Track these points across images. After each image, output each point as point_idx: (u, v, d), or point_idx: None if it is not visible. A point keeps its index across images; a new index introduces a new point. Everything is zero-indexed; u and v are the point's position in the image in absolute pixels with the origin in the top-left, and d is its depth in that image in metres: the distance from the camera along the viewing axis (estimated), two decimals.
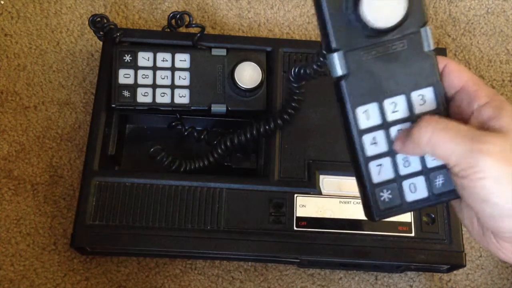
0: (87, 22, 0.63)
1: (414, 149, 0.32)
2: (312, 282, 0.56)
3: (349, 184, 0.52)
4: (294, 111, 0.52)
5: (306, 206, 0.51)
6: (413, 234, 0.51)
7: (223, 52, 0.55)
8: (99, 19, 0.56)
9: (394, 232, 0.51)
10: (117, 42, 0.55)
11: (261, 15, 0.67)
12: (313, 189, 0.52)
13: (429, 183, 0.34)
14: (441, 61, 0.34)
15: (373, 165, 0.33)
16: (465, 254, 0.50)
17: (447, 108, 0.33)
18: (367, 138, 0.33)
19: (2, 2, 0.64)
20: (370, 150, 0.33)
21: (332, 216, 0.51)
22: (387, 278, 0.56)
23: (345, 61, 0.32)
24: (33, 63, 0.62)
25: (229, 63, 0.54)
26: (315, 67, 0.43)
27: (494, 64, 0.66)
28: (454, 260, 0.50)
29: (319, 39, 0.71)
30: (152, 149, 0.52)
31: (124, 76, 0.53)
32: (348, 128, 0.33)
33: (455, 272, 0.56)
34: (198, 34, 0.55)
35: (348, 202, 0.51)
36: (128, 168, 0.57)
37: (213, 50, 0.55)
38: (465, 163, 0.30)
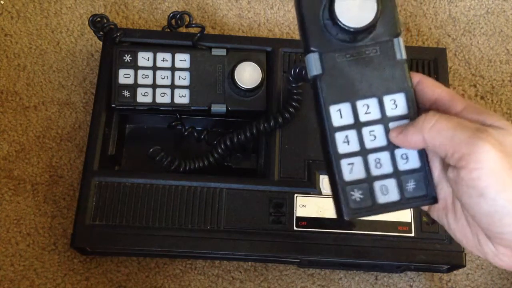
0: (87, 22, 0.63)
1: (413, 136, 0.32)
2: (312, 282, 0.56)
3: None
4: (294, 110, 0.52)
5: (306, 206, 0.51)
6: (413, 234, 0.51)
7: (223, 52, 0.55)
8: (99, 19, 0.56)
9: (394, 232, 0.51)
10: (117, 42, 0.55)
11: (261, 15, 0.67)
12: (313, 189, 0.52)
13: (401, 187, 0.34)
14: (415, 76, 0.35)
15: (344, 163, 0.34)
16: (465, 254, 0.50)
17: (418, 114, 0.34)
18: (339, 136, 0.34)
19: (2, 2, 0.64)
20: (342, 148, 0.34)
21: (332, 216, 0.51)
22: (387, 278, 0.56)
23: (320, 61, 0.34)
24: (33, 63, 0.62)
25: (229, 63, 0.54)
26: None
27: (494, 64, 0.66)
28: (454, 260, 0.50)
29: None
30: (151, 150, 0.52)
31: (124, 76, 0.53)
32: (322, 125, 0.34)
33: (455, 272, 0.56)
34: (198, 34, 0.55)
35: None
36: (128, 168, 0.57)
37: (213, 50, 0.55)
38: (464, 149, 0.29)
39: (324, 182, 0.52)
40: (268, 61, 0.56)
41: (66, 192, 0.57)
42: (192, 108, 0.54)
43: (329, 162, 0.34)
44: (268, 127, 0.52)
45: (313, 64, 0.34)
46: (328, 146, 0.34)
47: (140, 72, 0.53)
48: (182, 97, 0.54)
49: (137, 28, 0.64)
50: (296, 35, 0.66)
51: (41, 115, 0.60)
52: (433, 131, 0.31)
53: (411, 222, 0.51)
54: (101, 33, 0.56)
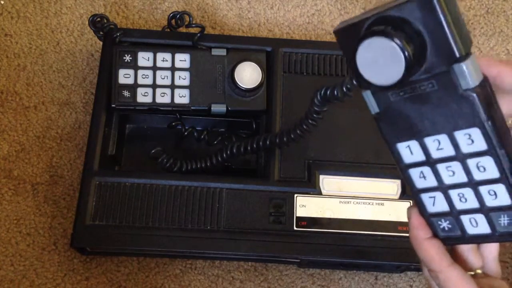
0: (87, 22, 0.63)
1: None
2: (312, 282, 0.56)
3: (349, 184, 0.52)
4: (309, 129, 0.49)
5: (306, 206, 0.51)
6: None
7: (223, 52, 0.55)
8: (99, 19, 0.56)
9: (394, 232, 0.51)
10: (117, 42, 0.55)
11: (261, 15, 0.67)
12: (313, 189, 0.52)
13: (491, 222, 0.31)
14: (492, 68, 0.30)
15: (425, 197, 0.32)
16: None
17: (504, 145, 0.29)
18: (413, 172, 0.31)
19: (2, 2, 0.64)
20: (419, 183, 0.32)
21: (332, 216, 0.51)
22: (387, 278, 0.56)
23: (375, 100, 0.30)
24: (33, 63, 0.62)
25: (229, 63, 0.54)
26: (344, 89, 0.39)
27: None
28: None
29: (319, 39, 0.71)
30: (153, 151, 0.52)
31: (124, 76, 0.53)
32: (395, 160, 0.32)
33: None
34: (198, 34, 0.55)
35: (348, 202, 0.51)
36: (128, 168, 0.57)
37: (213, 50, 0.55)
38: None
39: (324, 182, 0.52)
40: (268, 61, 0.56)
41: (66, 192, 0.57)
42: (192, 108, 0.54)
43: (412, 193, 0.33)
44: (281, 142, 0.50)
45: (369, 102, 0.31)
46: (406, 180, 0.32)
47: (140, 72, 0.53)
48: (182, 97, 0.54)
49: (137, 28, 0.64)
50: (296, 35, 0.66)
51: (41, 115, 0.60)
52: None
53: None
54: (101, 33, 0.56)
